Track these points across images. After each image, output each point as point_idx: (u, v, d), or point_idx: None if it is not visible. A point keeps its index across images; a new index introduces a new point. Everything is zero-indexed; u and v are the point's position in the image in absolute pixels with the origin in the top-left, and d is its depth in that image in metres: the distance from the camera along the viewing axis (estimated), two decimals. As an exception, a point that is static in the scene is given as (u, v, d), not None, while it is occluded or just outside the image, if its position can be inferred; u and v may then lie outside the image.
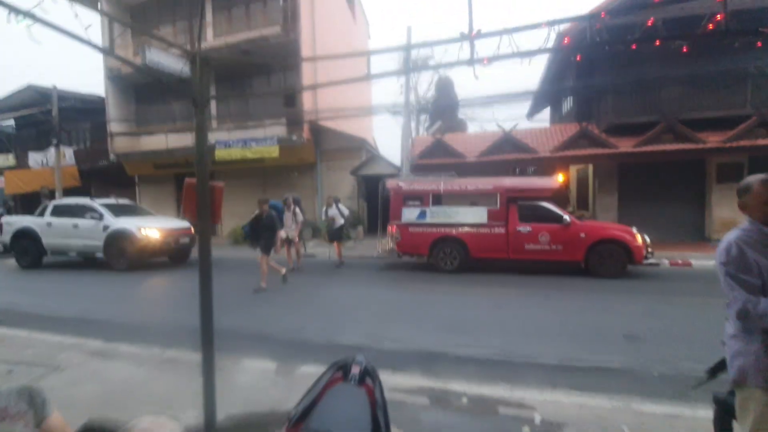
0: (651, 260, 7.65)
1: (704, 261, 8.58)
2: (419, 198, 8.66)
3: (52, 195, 15.15)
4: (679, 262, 8.70)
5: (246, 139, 14.36)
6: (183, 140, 15.49)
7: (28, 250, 10.30)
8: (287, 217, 8.76)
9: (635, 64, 10.98)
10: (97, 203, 10.08)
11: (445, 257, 8.35)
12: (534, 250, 7.87)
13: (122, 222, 9.58)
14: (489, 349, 4.12)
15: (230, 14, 15.33)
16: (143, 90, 17.30)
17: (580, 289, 6.81)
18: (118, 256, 9.42)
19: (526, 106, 17.34)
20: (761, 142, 10.08)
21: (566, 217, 7.71)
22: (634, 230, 7.54)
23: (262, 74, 15.87)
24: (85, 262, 10.93)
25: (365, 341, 4.43)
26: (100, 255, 9.77)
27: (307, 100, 14.39)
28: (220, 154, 14.59)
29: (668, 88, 11.06)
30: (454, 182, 8.61)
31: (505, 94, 10.68)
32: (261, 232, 7.38)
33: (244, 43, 14.36)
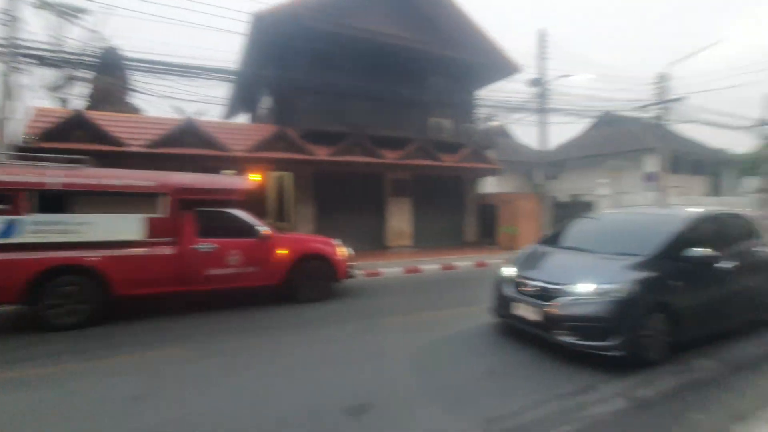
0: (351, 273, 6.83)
1: (388, 269, 8.90)
2: (6, 198, 4.64)
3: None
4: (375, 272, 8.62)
5: None
6: None
7: None
8: None
9: (329, 69, 10.81)
10: None
11: (62, 304, 4.71)
12: (221, 275, 5.55)
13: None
14: None
15: None
16: None
17: (287, 326, 5.05)
18: None
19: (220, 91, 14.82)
20: (419, 162, 11.98)
21: (262, 228, 5.86)
22: (337, 242, 6.60)
23: None
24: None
25: None
26: None
27: None
28: None
29: (358, 101, 11.41)
30: (83, 174, 5.09)
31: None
32: None
33: None
